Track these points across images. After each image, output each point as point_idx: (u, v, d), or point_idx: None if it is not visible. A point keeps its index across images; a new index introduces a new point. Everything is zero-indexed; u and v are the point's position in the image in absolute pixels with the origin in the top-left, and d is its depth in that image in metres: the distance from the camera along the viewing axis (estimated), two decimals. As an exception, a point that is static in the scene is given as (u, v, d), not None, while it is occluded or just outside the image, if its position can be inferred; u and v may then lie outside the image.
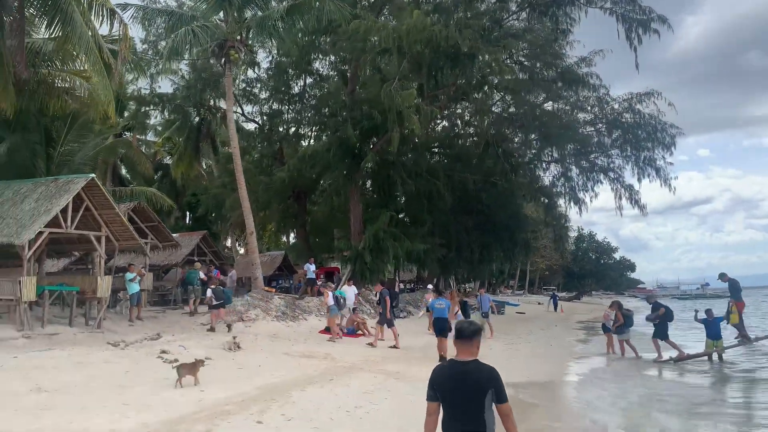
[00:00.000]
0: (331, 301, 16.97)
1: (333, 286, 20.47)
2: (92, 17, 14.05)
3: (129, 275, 17.30)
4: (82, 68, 14.61)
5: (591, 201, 33.99)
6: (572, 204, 33.21)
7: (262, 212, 26.99)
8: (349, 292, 20.35)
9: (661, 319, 16.06)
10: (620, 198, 31.46)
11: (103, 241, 14.95)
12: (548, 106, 26.51)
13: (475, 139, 30.12)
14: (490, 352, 14.99)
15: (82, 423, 7.23)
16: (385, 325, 16.44)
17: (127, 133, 34.69)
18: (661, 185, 30.69)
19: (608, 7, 23.89)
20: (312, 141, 31.36)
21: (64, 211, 13.57)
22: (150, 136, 40.16)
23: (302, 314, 20.18)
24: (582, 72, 25.48)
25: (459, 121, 29.76)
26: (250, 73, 30.77)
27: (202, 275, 20.38)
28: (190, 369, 9.71)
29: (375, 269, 25.98)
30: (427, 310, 18.69)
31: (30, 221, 12.89)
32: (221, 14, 21.34)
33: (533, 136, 25.87)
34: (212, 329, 16.04)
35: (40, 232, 12.99)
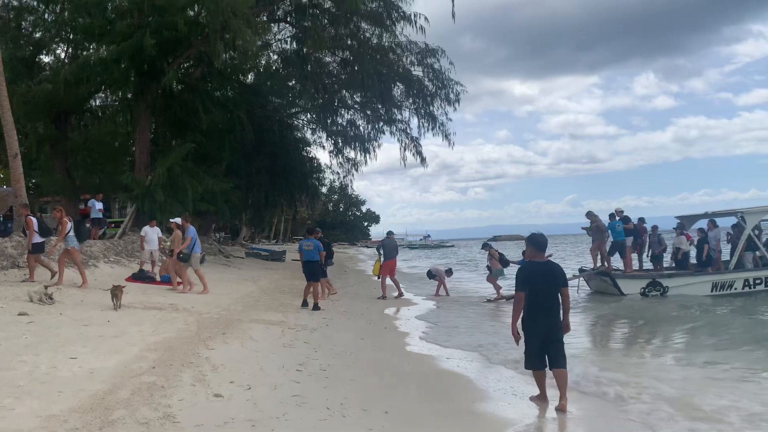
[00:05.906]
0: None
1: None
2: None
3: None
4: None
5: (375, 150, 34.48)
6: (361, 152, 33.32)
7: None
8: (152, 233, 17.20)
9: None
10: (405, 149, 32.59)
11: None
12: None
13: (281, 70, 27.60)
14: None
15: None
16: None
17: None
18: (442, 139, 32.44)
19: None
20: (72, 49, 25.02)
21: None
22: None
23: (89, 260, 16.28)
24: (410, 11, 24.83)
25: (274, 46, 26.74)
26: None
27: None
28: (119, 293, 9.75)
29: (168, 210, 22.20)
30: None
31: None
32: None
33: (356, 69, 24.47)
34: None
35: None
